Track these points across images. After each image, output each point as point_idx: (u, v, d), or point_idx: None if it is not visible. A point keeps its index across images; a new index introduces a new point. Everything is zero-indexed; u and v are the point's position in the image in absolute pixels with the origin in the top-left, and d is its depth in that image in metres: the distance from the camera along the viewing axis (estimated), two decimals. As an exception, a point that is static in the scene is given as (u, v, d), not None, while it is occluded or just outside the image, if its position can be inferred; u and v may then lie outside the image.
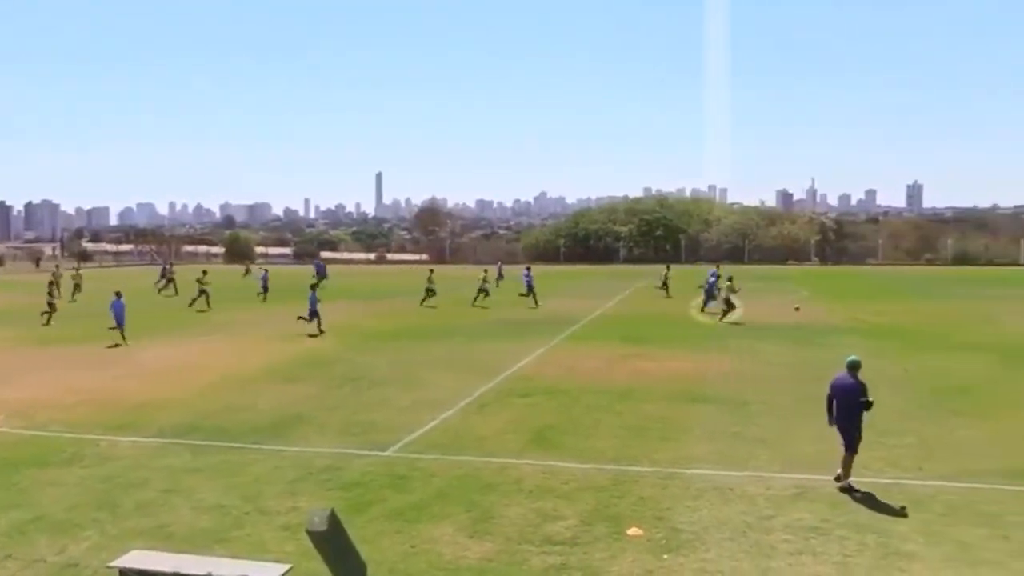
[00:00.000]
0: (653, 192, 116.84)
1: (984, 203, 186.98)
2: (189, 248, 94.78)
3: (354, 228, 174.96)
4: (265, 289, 38.89)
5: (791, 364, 21.14)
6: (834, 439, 13.62)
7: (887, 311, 33.29)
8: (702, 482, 11.60)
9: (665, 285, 39.79)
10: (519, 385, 18.69)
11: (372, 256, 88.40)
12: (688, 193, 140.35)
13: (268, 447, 13.64)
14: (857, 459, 11.99)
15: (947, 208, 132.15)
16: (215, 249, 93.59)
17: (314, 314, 27.56)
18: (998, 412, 15.60)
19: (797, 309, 31.90)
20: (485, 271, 38.75)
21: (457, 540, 9.64)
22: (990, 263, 69.34)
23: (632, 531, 9.78)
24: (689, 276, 42.34)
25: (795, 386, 18.16)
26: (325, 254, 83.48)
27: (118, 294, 26.06)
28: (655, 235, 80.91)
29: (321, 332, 26.99)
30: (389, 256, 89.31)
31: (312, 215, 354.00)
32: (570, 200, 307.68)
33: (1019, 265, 68.20)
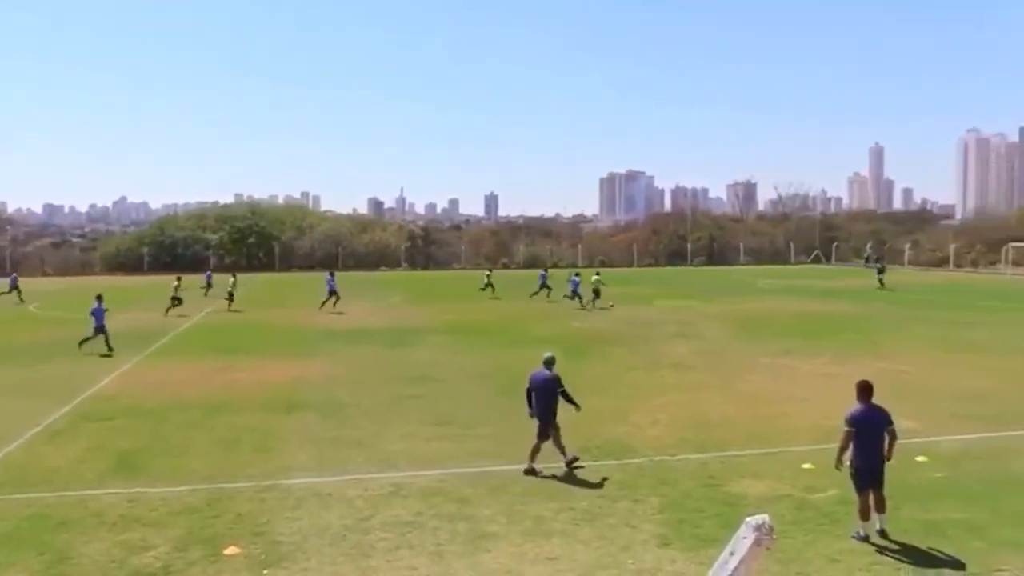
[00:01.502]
0: (245, 198, 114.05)
1: (549, 212, 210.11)
2: None
3: None
4: None
5: (383, 365, 21.90)
6: (421, 436, 14.50)
7: (470, 311, 35.98)
8: (301, 491, 11.55)
9: (490, 285, 43.51)
10: (98, 407, 17.09)
11: (-95, 269, 74.82)
12: (281, 200, 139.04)
13: None
14: (447, 450, 12.76)
15: (519, 216, 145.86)
16: None
17: (100, 330, 24.12)
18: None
19: (611, 306, 33.60)
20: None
21: (25, 588, 8.55)
22: (555, 266, 78.28)
23: (229, 550, 9.44)
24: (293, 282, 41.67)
25: (387, 386, 18.90)
26: None
27: None
28: (248, 242, 79.16)
29: (111, 350, 23.89)
30: (-71, 269, 76.37)
31: None
32: (155, 206, 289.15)
33: (577, 267, 77.93)
